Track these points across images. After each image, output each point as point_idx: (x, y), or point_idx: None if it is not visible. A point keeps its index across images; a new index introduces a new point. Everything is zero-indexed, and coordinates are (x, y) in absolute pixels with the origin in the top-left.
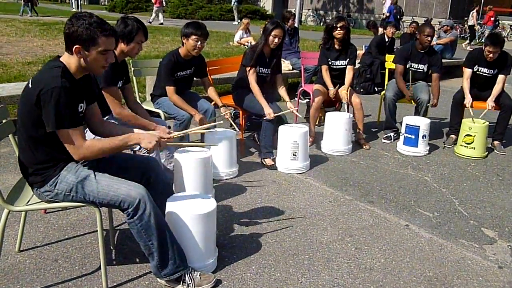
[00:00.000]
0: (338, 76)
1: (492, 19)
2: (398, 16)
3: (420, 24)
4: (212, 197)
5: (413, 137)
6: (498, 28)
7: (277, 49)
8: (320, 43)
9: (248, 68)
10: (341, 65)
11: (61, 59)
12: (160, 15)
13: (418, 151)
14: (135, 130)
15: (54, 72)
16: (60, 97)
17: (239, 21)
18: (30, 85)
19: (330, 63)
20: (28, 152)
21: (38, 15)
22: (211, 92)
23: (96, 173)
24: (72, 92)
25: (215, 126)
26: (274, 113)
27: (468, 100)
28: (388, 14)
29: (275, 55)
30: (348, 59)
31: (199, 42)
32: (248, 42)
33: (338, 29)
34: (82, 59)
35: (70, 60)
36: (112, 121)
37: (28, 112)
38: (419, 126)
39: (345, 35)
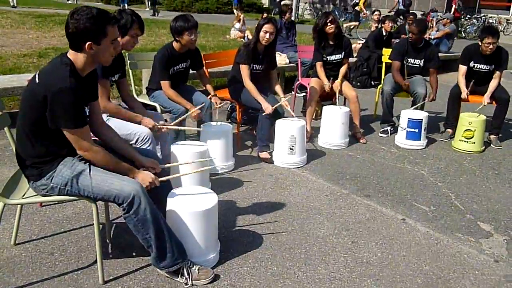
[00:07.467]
0: (334, 69)
1: None
2: None
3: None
4: (212, 191)
5: (416, 130)
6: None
7: (270, 46)
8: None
9: (241, 66)
10: (337, 59)
11: (68, 55)
12: None
13: (421, 144)
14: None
15: (63, 71)
16: (69, 98)
17: (150, 8)
18: (37, 80)
19: (325, 58)
20: (27, 145)
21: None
22: (205, 82)
23: (91, 167)
24: (80, 92)
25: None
26: (272, 106)
27: (464, 93)
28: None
29: (269, 51)
30: (343, 52)
31: (193, 35)
32: (245, 36)
33: (329, 24)
34: (93, 55)
35: (77, 58)
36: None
37: (32, 107)
38: (422, 120)
39: (336, 29)
